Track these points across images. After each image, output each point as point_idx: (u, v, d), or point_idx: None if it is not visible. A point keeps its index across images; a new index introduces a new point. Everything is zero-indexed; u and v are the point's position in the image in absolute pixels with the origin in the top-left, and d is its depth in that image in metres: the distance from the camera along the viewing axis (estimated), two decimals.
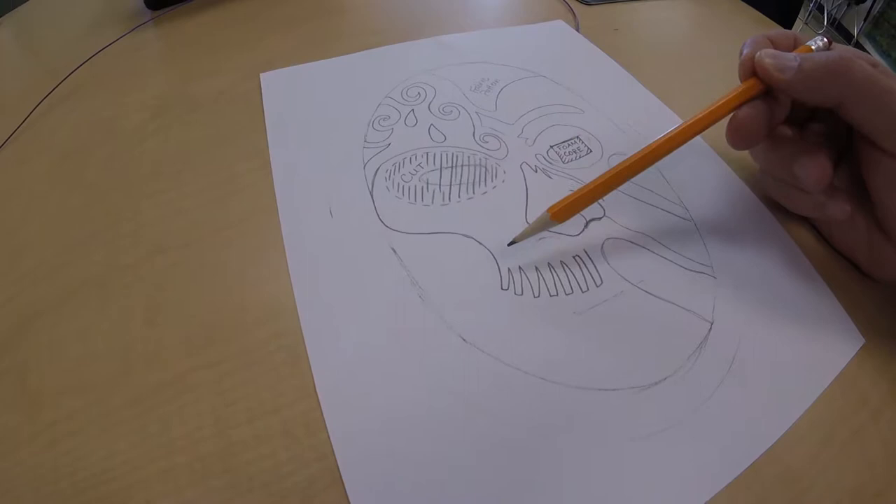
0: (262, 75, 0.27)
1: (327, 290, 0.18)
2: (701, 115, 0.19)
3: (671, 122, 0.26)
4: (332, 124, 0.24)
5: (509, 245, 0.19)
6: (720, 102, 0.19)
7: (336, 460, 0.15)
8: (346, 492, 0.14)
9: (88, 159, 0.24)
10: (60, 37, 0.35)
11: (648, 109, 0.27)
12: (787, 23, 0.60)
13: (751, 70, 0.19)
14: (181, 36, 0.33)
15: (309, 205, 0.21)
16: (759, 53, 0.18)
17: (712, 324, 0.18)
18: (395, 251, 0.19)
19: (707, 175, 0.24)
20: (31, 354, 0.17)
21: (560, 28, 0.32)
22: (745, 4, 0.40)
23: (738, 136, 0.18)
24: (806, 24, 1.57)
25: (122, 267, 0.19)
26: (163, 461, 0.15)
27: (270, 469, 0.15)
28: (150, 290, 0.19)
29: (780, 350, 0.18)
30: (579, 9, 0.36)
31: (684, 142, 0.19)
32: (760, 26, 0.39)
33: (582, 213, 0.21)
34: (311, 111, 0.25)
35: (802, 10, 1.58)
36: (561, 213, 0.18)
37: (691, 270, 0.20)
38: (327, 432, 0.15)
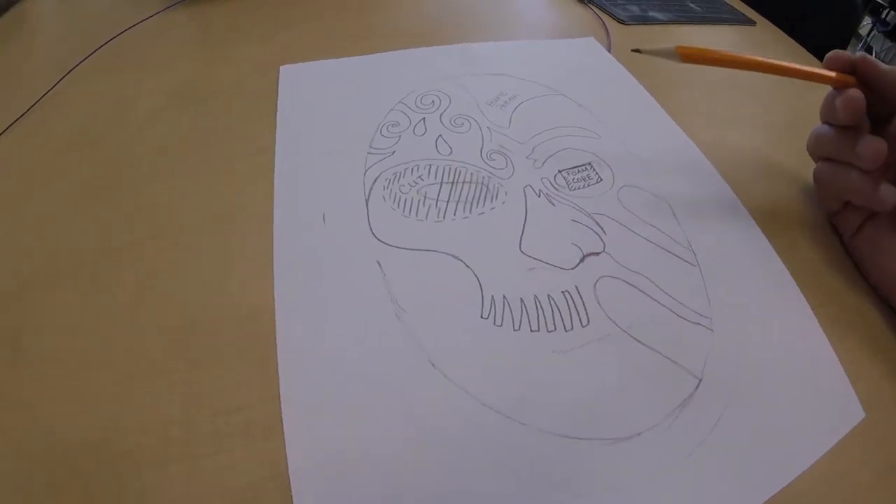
0: (281, 68, 0.27)
1: (307, 298, 0.18)
2: (807, 68, 0.21)
3: (691, 155, 0.25)
4: (341, 126, 0.24)
5: (632, 51, 0.22)
6: (823, 70, 0.21)
7: (287, 467, 0.15)
8: (292, 498, 0.14)
9: (102, 137, 0.25)
10: (99, 7, 0.36)
11: (669, 140, 0.26)
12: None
13: (842, 65, 0.21)
14: (210, 19, 0.34)
15: (304, 208, 0.21)
16: (860, 52, 0.21)
17: (700, 381, 0.17)
18: (379, 265, 0.19)
19: (722, 219, 0.22)
20: (24, 320, 0.18)
21: (590, 46, 0.31)
22: (786, 36, 0.37)
23: (849, 107, 0.20)
24: None
25: (116, 248, 0.20)
26: (129, 440, 0.15)
27: (226, 465, 0.15)
28: (140, 274, 0.19)
29: (770, 417, 0.17)
30: (614, 27, 0.34)
31: (793, 74, 0.21)
32: (799, 61, 0.36)
33: (580, 246, 0.20)
34: (324, 110, 0.25)
35: (849, 49, 1.54)
36: (690, 53, 0.20)
37: (688, 321, 0.19)
38: (284, 438, 0.15)
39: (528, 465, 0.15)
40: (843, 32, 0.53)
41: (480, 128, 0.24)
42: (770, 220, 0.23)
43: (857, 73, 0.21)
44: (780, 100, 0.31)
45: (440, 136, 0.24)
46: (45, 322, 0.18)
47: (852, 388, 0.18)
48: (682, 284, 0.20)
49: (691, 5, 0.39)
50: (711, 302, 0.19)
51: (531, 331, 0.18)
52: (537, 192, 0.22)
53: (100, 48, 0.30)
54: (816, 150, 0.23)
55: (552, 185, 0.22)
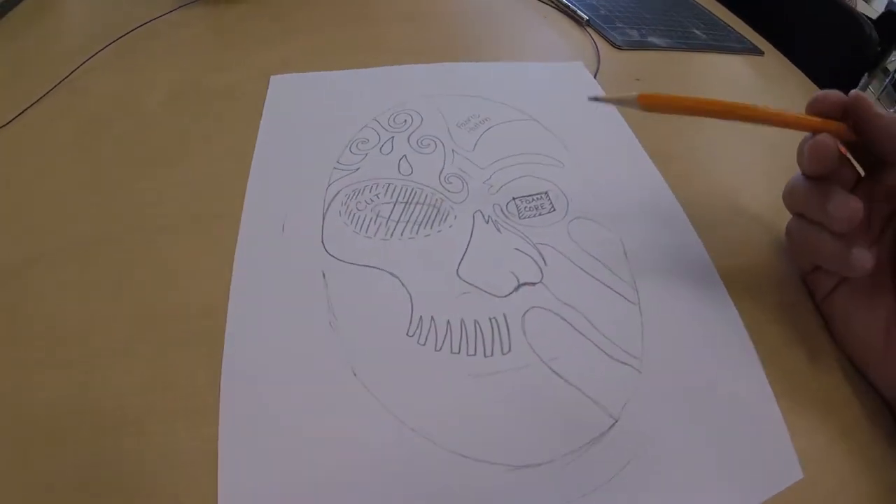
0: (271, 78, 0.29)
1: (255, 300, 0.20)
2: (787, 113, 0.19)
3: (659, 193, 0.25)
4: (316, 139, 0.26)
5: (590, 99, 0.21)
6: (804, 116, 0.19)
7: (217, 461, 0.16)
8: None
9: (107, 130, 0.27)
10: (116, 1, 0.38)
11: (639, 175, 0.26)
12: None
13: (829, 107, 0.19)
14: (220, 21, 0.36)
15: (268, 215, 0.22)
16: (855, 92, 0.19)
17: (616, 422, 0.18)
18: (324, 275, 0.20)
19: (678, 262, 0.22)
20: (21, 296, 0.20)
21: (576, 71, 0.31)
22: (796, 69, 0.36)
23: (816, 156, 0.18)
24: (878, 99, 1.43)
25: (104, 238, 0.22)
26: (73, 418, 0.17)
27: (153, 460, 0.16)
28: (120, 264, 0.21)
29: (691, 466, 0.17)
30: (608, 52, 0.34)
31: (764, 120, 0.19)
32: (801, 97, 0.35)
33: (517, 275, 0.21)
34: (304, 122, 0.27)
35: (876, 85, 1.43)
36: (649, 100, 0.19)
37: (615, 359, 0.19)
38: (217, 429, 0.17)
39: (427, 480, 0.16)
40: (854, 65, 0.50)
41: (445, 150, 0.25)
42: (734, 269, 0.22)
43: (849, 118, 0.19)
44: (774, 141, 0.30)
45: (405, 155, 0.25)
46: (39, 301, 0.20)
47: (793, 447, 0.18)
48: (617, 323, 0.20)
49: (696, 31, 0.39)
50: (646, 344, 0.19)
51: (451, 353, 0.18)
52: (486, 217, 0.22)
53: (113, 42, 0.32)
54: (790, 203, 0.21)
55: (503, 211, 0.23)
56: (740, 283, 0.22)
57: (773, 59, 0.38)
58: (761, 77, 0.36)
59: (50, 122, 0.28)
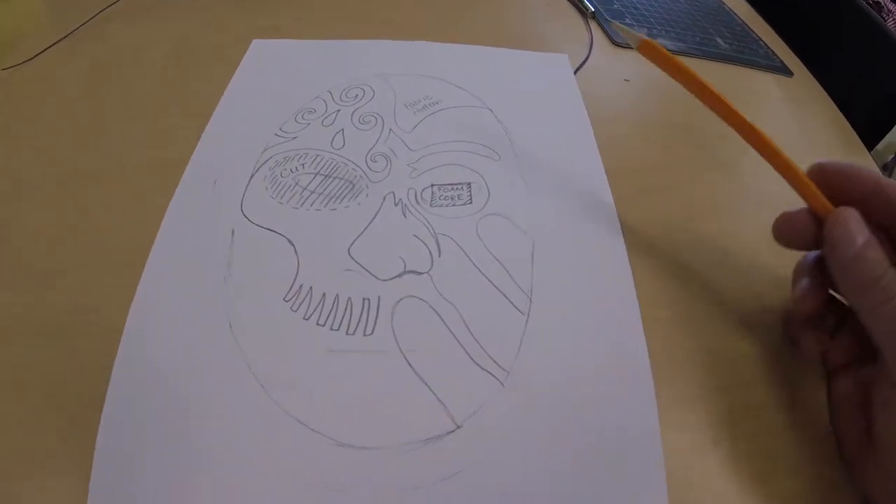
0: (253, 42, 0.30)
1: (172, 246, 0.21)
2: (788, 160, 0.18)
3: (600, 205, 0.23)
4: (270, 105, 0.27)
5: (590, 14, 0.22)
6: (807, 181, 0.18)
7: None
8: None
9: (109, 77, 0.30)
10: None
11: (585, 181, 0.24)
12: (874, 137, 0.44)
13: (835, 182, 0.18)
14: None
15: (206, 171, 0.24)
16: (842, 210, 0.17)
17: (458, 428, 0.17)
18: (232, 233, 0.22)
19: (595, 281, 0.21)
20: (16, 215, 0.23)
21: (559, 63, 0.29)
22: (827, 97, 0.31)
23: (782, 230, 0.19)
24: None
25: (80, 173, 0.25)
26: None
27: (31, 434, 0.18)
28: (80, 199, 0.24)
29: (528, 490, 0.16)
30: (604, 47, 0.31)
31: (755, 145, 0.18)
32: (827, 130, 0.30)
33: (405, 261, 0.21)
34: (266, 87, 0.28)
35: None
36: (649, 47, 0.19)
37: (480, 367, 0.18)
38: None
39: (260, 437, 0.17)
40: (891, 104, 0.41)
41: (383, 128, 0.25)
42: (657, 300, 0.21)
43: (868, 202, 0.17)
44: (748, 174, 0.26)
45: (342, 129, 0.25)
46: (22, 228, 0.23)
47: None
48: (496, 330, 0.19)
49: (718, 40, 0.34)
50: (520, 357, 0.19)
51: (317, 323, 0.19)
52: (397, 200, 0.22)
53: None
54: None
55: (417, 197, 0.22)
56: (661, 326, 0.20)
57: (803, 81, 0.33)
58: (784, 99, 0.31)
59: (64, 64, 0.31)
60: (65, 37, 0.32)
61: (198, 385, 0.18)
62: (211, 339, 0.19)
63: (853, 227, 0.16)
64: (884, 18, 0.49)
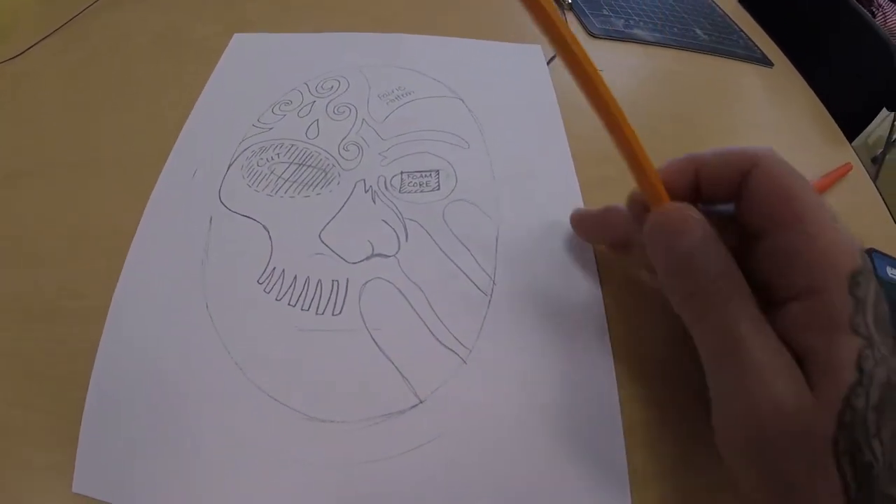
0: (235, 36, 0.31)
1: (153, 231, 0.22)
2: (643, 154, 0.15)
3: (566, 193, 0.24)
4: (248, 98, 0.27)
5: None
6: (647, 160, 0.15)
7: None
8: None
9: (95, 64, 0.31)
10: None
11: (552, 169, 0.25)
12: (857, 126, 0.44)
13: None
14: None
15: (186, 162, 0.25)
16: (655, 217, 0.15)
17: (421, 402, 0.18)
18: (211, 220, 0.23)
19: (557, 267, 0.21)
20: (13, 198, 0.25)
21: (532, 54, 0.30)
22: (807, 88, 0.31)
23: (577, 225, 0.20)
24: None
25: (73, 162, 0.26)
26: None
27: (18, 414, 0.19)
28: (70, 184, 0.25)
29: (482, 475, 0.17)
30: (580, 38, 0.31)
31: (607, 124, 0.15)
32: (808, 121, 0.30)
33: (373, 244, 0.21)
34: (246, 80, 0.28)
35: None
36: None
37: (443, 345, 0.19)
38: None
39: (231, 408, 0.18)
40: (876, 99, 0.42)
41: (356, 118, 0.26)
42: (618, 279, 0.21)
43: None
44: None
45: (317, 120, 0.26)
46: (14, 208, 0.24)
47: (628, 482, 0.17)
48: (460, 310, 0.20)
49: (697, 31, 0.35)
50: (482, 337, 0.20)
51: (289, 304, 0.20)
52: (367, 187, 0.23)
53: None
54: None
55: (386, 184, 0.23)
56: (619, 298, 0.21)
57: (783, 72, 0.34)
58: (761, 89, 0.32)
59: (53, 58, 0.32)
60: (54, 31, 0.33)
61: (177, 363, 0.19)
62: (189, 319, 0.20)
63: (680, 227, 0.14)
64: (873, 13, 0.49)
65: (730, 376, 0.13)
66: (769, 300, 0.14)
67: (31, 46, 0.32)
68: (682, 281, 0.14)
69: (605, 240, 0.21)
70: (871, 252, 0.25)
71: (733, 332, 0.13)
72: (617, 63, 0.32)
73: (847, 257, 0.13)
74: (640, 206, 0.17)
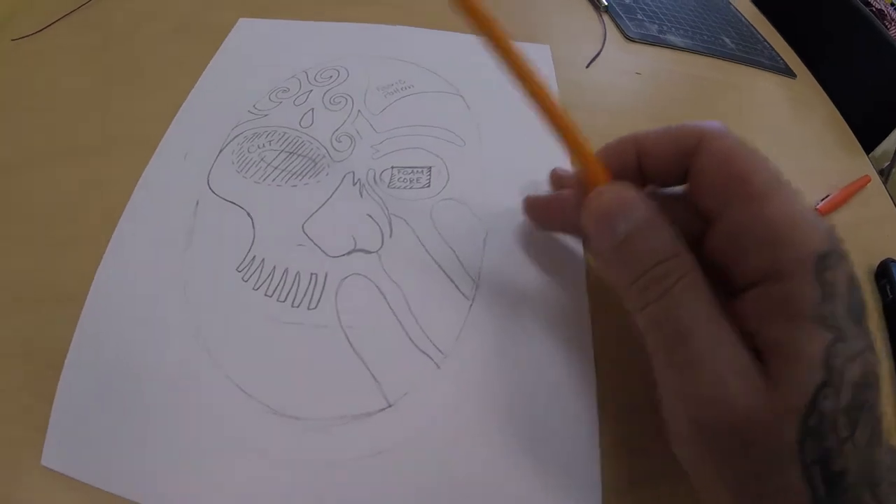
0: (239, 21, 0.31)
1: (140, 215, 0.22)
2: (576, 132, 0.15)
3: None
4: (247, 83, 0.27)
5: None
6: (580, 138, 0.15)
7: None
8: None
9: (114, 53, 0.30)
10: None
11: (540, 174, 0.23)
12: (872, 139, 0.42)
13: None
14: None
15: (178, 144, 0.24)
16: (590, 200, 0.14)
17: (389, 406, 0.18)
18: (197, 204, 0.22)
19: (544, 272, 0.21)
20: (21, 185, 0.24)
21: (540, 54, 0.29)
22: (828, 101, 0.30)
23: (529, 211, 0.19)
24: None
25: (77, 147, 0.25)
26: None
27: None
28: (67, 171, 0.25)
29: (455, 474, 0.16)
30: (617, 41, 0.31)
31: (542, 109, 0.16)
32: (828, 132, 0.29)
33: (356, 239, 0.21)
34: (246, 66, 0.28)
35: None
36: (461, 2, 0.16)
37: (418, 348, 0.19)
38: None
39: (197, 396, 0.18)
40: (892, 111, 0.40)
41: (352, 110, 0.25)
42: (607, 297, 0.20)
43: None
44: None
45: (313, 109, 0.25)
46: (16, 200, 0.24)
47: (600, 480, 0.17)
48: (438, 313, 0.19)
49: (725, 39, 0.34)
50: (460, 342, 0.19)
51: (265, 295, 0.20)
52: (355, 180, 0.23)
53: None
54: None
55: (375, 177, 0.23)
56: (609, 345, 0.20)
57: (805, 84, 0.33)
58: (785, 100, 0.31)
59: (71, 37, 0.32)
60: (75, 10, 0.33)
61: (149, 344, 0.19)
62: (166, 302, 0.20)
63: (616, 209, 0.13)
64: (886, 26, 0.47)
65: (676, 371, 0.12)
66: (730, 289, 0.13)
67: (50, 25, 0.32)
68: (622, 268, 0.13)
69: (556, 226, 0.20)
70: (887, 262, 0.24)
71: (680, 322, 0.12)
72: (652, 66, 0.31)
73: (811, 237, 0.11)
74: (583, 190, 0.15)
